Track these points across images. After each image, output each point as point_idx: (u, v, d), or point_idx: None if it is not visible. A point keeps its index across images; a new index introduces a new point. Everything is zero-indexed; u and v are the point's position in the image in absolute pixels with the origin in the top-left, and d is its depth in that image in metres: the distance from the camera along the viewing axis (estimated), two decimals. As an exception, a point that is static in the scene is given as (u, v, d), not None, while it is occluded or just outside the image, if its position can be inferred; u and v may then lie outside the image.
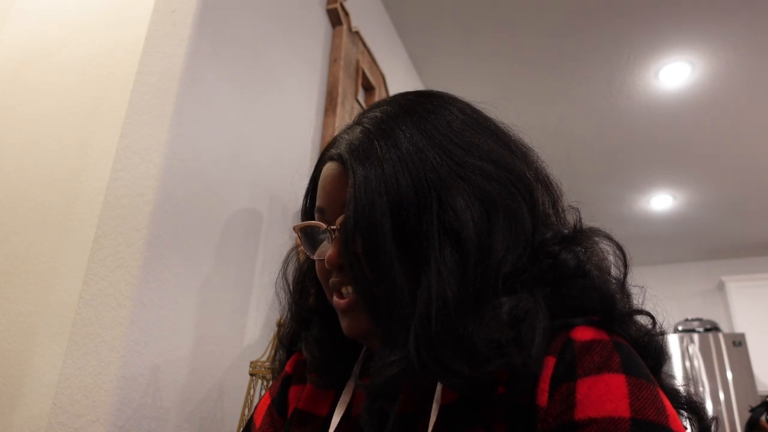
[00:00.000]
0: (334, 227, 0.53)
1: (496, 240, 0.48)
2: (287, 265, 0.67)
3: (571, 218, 0.57)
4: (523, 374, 0.44)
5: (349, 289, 0.53)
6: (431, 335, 0.45)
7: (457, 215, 0.48)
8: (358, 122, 0.57)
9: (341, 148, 0.54)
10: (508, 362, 0.44)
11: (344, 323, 0.55)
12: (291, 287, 0.66)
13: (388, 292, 0.48)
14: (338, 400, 0.59)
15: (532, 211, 0.52)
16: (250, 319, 1.25)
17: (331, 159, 0.56)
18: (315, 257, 0.57)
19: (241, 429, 0.68)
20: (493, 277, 0.47)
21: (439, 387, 0.50)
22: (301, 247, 0.67)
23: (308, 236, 0.58)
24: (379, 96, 2.01)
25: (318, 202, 0.57)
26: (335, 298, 0.55)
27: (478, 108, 0.59)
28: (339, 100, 1.69)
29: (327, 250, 0.54)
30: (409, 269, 0.48)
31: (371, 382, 0.47)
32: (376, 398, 0.48)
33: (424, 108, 0.55)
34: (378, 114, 0.56)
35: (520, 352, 0.44)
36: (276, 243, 1.37)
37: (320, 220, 0.56)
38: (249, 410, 1.09)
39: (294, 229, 0.59)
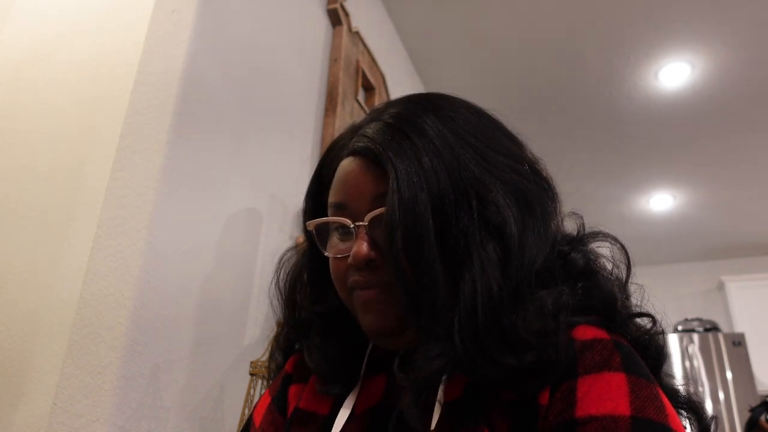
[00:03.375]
0: (363, 223, 0.52)
1: (530, 237, 0.49)
2: (280, 272, 0.65)
3: (572, 223, 0.57)
4: (562, 363, 0.45)
5: (374, 285, 0.52)
6: (477, 327, 0.45)
7: (500, 211, 0.49)
8: (376, 119, 0.55)
9: (366, 142, 0.53)
10: (550, 352, 0.45)
11: (368, 320, 0.53)
12: (284, 295, 0.64)
13: (431, 286, 0.48)
14: (340, 399, 0.59)
15: (555, 211, 0.54)
16: (250, 319, 1.25)
17: (355, 153, 0.54)
18: (332, 255, 0.56)
19: (241, 428, 0.68)
20: (528, 273, 0.48)
21: (442, 384, 0.50)
22: (297, 248, 0.66)
23: (321, 234, 0.57)
24: (379, 96, 2.01)
25: (336, 198, 0.55)
26: (358, 292, 0.53)
27: (488, 112, 0.59)
28: (339, 100, 1.69)
29: (347, 247, 0.53)
30: (447, 263, 0.48)
31: (416, 375, 0.47)
32: (421, 391, 0.47)
33: (443, 107, 0.55)
34: (400, 110, 0.54)
35: (562, 342, 0.45)
36: (276, 243, 1.37)
37: (340, 216, 0.55)
38: (249, 410, 1.09)
39: (308, 225, 0.58)
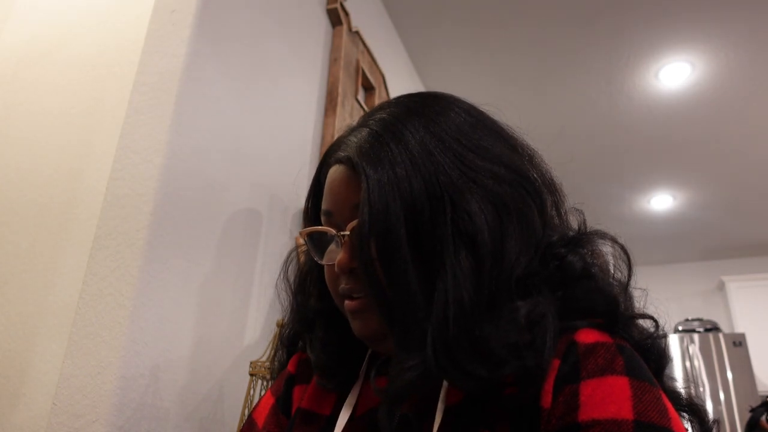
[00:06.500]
0: (345, 232, 0.53)
1: (509, 243, 0.48)
2: (288, 266, 0.67)
3: (574, 221, 0.57)
4: (537, 376, 0.45)
5: (361, 292, 0.53)
6: (448, 339, 0.45)
7: (472, 219, 0.48)
8: (363, 124, 0.56)
9: (349, 150, 0.53)
10: (524, 365, 0.44)
11: (355, 325, 0.54)
12: (293, 288, 0.65)
13: (404, 296, 0.47)
14: (341, 399, 0.59)
15: (541, 214, 0.53)
16: (250, 319, 1.25)
17: (339, 162, 0.55)
18: (324, 262, 0.56)
19: (240, 429, 0.68)
20: (506, 281, 0.47)
21: (444, 388, 0.50)
22: (302, 248, 0.66)
23: (315, 240, 0.57)
24: (379, 96, 2.01)
25: (325, 205, 0.56)
26: (346, 301, 0.54)
27: (482, 110, 0.59)
28: (339, 100, 1.69)
29: (336, 254, 0.53)
30: (422, 273, 0.48)
31: (390, 386, 0.47)
32: (394, 402, 0.47)
33: (431, 110, 0.55)
34: (384, 116, 0.55)
35: (535, 355, 0.44)
36: (276, 243, 1.37)
37: (327, 223, 0.56)
38: (249, 410, 1.09)
39: (300, 233, 0.59)
